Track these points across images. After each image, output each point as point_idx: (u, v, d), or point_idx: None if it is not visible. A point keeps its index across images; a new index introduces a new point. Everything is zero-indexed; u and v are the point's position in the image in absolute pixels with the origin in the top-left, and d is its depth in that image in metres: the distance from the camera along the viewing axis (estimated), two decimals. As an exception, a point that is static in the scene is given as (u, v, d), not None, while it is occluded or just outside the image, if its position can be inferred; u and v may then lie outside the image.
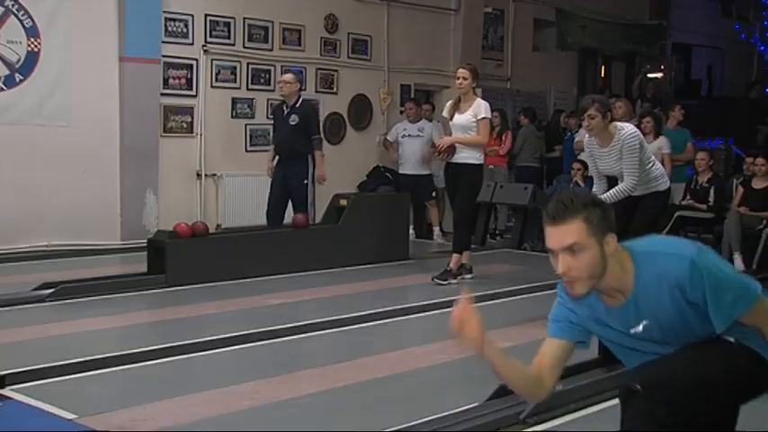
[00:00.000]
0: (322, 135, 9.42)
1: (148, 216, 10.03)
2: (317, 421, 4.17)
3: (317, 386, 4.67)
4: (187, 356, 5.26)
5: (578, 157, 10.78)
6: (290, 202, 8.96)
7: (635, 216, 6.17)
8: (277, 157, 9.05)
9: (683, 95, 16.29)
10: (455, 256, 7.89)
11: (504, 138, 11.73)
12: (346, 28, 12.00)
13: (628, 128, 6.16)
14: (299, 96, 9.04)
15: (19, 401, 4.26)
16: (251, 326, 6.00)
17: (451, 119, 7.91)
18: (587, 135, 6.41)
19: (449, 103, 8.08)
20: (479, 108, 7.73)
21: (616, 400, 4.38)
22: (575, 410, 4.26)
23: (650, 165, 6.23)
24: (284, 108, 9.02)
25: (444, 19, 13.23)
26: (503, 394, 4.28)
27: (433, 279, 7.77)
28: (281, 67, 11.32)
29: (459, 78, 7.81)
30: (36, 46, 9.29)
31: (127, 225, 9.87)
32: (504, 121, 11.89)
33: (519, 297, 7.38)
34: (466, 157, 7.77)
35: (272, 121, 9.42)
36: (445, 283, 7.67)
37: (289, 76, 9.08)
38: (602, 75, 16.41)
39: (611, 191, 6.09)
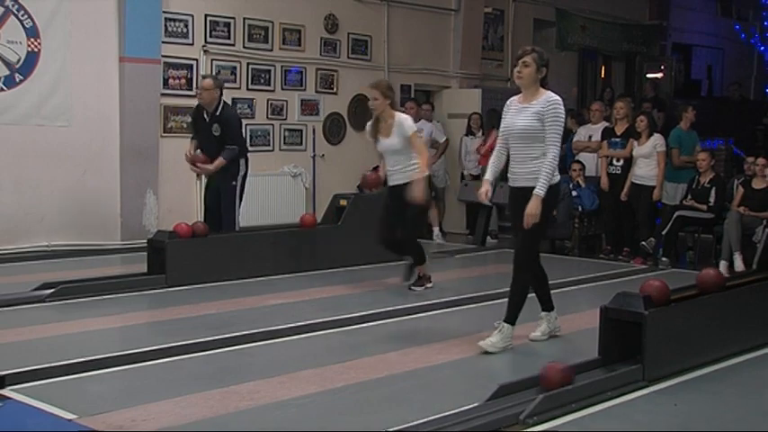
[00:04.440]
0: (241, 143, 8.41)
1: (148, 216, 10.03)
2: (317, 421, 4.17)
3: (316, 386, 4.67)
4: (187, 356, 5.26)
5: (576, 158, 10.80)
6: None
7: None
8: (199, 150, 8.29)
9: (683, 96, 16.30)
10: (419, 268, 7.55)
11: (487, 135, 11.72)
12: (346, 28, 12.00)
13: (557, 97, 5.51)
14: (220, 102, 8.19)
15: (19, 401, 4.27)
16: (251, 326, 6.00)
17: (376, 141, 7.34)
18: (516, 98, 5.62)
19: (368, 125, 7.51)
20: (402, 126, 7.15)
21: (617, 400, 4.43)
22: (575, 410, 4.26)
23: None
24: (204, 115, 8.19)
25: (444, 19, 13.23)
26: (503, 395, 4.29)
27: (410, 288, 7.53)
28: (282, 67, 11.35)
29: (371, 99, 7.28)
30: (36, 46, 9.29)
31: (127, 225, 9.88)
32: (491, 120, 11.92)
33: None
34: (411, 175, 7.14)
35: (192, 124, 8.62)
36: (421, 288, 7.53)
37: (207, 82, 8.22)
38: (602, 75, 16.42)
39: (546, 166, 5.31)
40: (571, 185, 10.43)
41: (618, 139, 9.99)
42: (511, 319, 5.54)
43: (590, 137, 10.83)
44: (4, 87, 9.12)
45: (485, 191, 5.72)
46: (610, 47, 16.16)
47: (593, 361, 4.88)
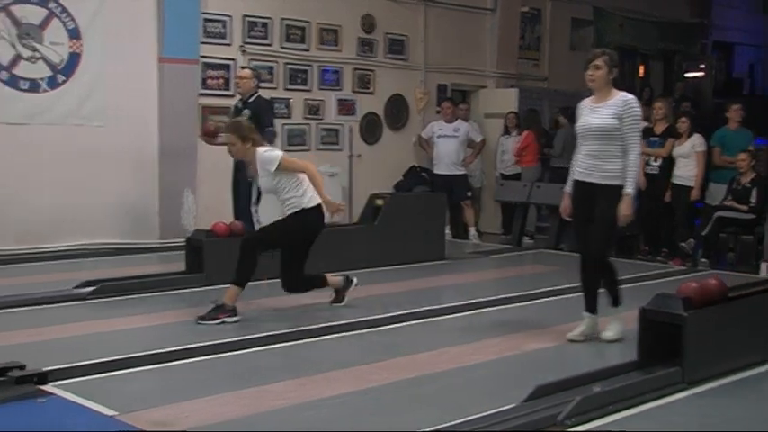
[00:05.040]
0: (276, 129, 8.71)
1: (187, 215, 10.12)
2: (350, 421, 4.17)
3: (350, 386, 4.68)
4: (224, 355, 5.30)
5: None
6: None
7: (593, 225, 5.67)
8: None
9: (724, 95, 16.08)
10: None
11: (522, 135, 11.72)
12: (383, 28, 12.02)
13: (632, 96, 5.74)
14: (256, 93, 8.64)
15: (61, 397, 4.33)
16: (286, 325, 6.04)
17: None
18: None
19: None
20: (265, 164, 6.23)
21: (655, 403, 4.39)
22: (613, 412, 4.23)
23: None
24: (239, 105, 8.71)
25: (481, 19, 13.19)
26: (539, 396, 4.27)
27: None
28: (318, 67, 11.39)
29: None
30: (77, 47, 9.42)
31: (165, 224, 9.97)
32: (526, 121, 11.87)
33: (555, 298, 7.33)
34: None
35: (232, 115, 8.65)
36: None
37: (245, 72, 8.86)
38: (641, 74, 16.27)
39: (632, 166, 5.55)
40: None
41: (656, 139, 9.90)
42: (616, 302, 5.77)
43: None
44: (47, 88, 9.27)
45: (566, 206, 5.87)
46: (648, 45, 15.99)
47: (632, 363, 4.84)
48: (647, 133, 10.12)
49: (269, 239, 6.39)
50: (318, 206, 6.32)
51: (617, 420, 4.17)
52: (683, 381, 4.68)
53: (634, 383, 4.56)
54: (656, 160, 9.83)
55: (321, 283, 6.68)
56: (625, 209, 5.59)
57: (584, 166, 5.70)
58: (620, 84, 16.46)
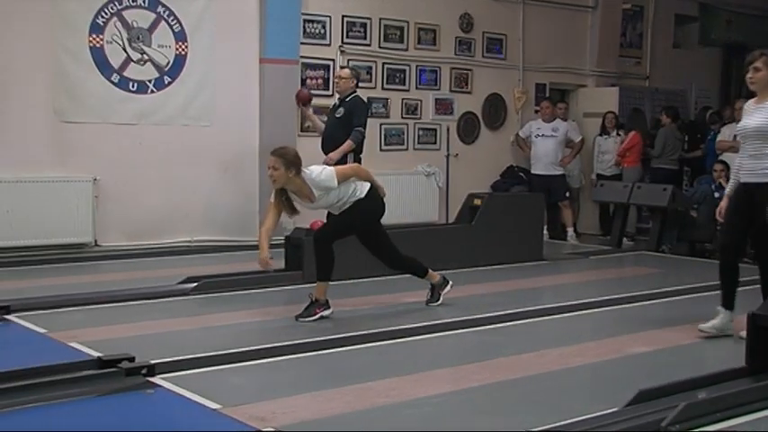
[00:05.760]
0: (364, 129, 8.49)
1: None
2: (453, 420, 4.17)
3: (451, 385, 4.68)
4: (325, 352, 5.36)
5: (720, 158, 10.39)
6: None
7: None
8: None
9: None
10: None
11: (628, 135, 11.48)
12: (481, 27, 11.97)
13: None
14: (354, 92, 8.56)
15: (168, 389, 4.46)
16: (387, 323, 6.07)
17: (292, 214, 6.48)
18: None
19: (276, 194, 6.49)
20: (319, 184, 6.21)
21: (765, 412, 4.24)
22: (720, 420, 4.10)
23: None
24: (336, 104, 8.71)
25: (581, 16, 13.00)
26: (642, 400, 4.19)
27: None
28: (416, 66, 11.41)
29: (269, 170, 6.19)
30: (183, 49, 9.69)
31: (265, 222, 10.14)
32: (631, 121, 11.62)
33: (657, 301, 7.16)
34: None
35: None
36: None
37: (345, 71, 8.85)
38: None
39: None
40: (713, 186, 10.07)
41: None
42: None
43: (735, 136, 10.38)
44: (154, 89, 9.56)
45: (722, 207, 5.89)
46: (759, 41, 15.42)
47: (740, 369, 4.70)
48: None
49: (339, 230, 6.50)
50: (370, 189, 6.40)
51: (723, 429, 4.05)
52: (794, 389, 4.51)
53: (742, 391, 4.41)
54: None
55: (423, 272, 6.77)
56: None
57: (743, 167, 5.73)
58: (726, 81, 15.91)
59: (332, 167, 6.39)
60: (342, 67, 9.84)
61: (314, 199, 6.23)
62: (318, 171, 6.21)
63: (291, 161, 6.09)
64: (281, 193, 6.21)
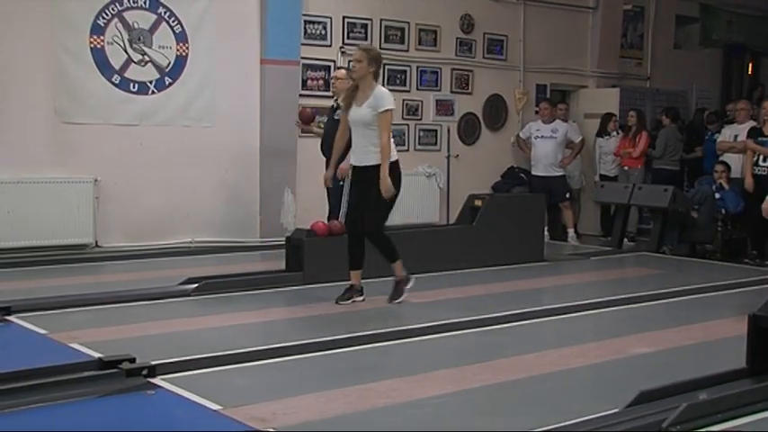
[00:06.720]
0: None
1: (286, 214, 10.29)
2: (454, 421, 4.17)
3: (453, 386, 4.67)
4: (324, 353, 5.35)
5: (720, 159, 10.39)
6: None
7: None
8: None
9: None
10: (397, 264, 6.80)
11: (638, 138, 11.43)
12: (482, 28, 11.97)
13: None
14: None
15: (168, 390, 4.45)
16: (386, 324, 6.07)
17: (348, 110, 6.66)
18: None
19: (344, 93, 7.03)
20: (379, 99, 6.45)
21: (766, 413, 4.24)
22: (721, 421, 4.10)
23: None
24: (335, 105, 8.43)
25: (582, 17, 13.01)
26: (643, 401, 4.18)
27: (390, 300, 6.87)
28: (417, 67, 11.41)
29: (353, 62, 6.64)
30: (184, 50, 9.70)
31: (266, 223, 10.17)
32: (641, 122, 11.58)
33: (658, 302, 7.16)
34: (374, 158, 6.50)
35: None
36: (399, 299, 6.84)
37: (341, 72, 8.71)
38: (750, 72, 15.72)
39: None
40: (714, 187, 10.07)
41: (766, 139, 9.57)
42: None
43: (735, 137, 10.40)
44: (155, 90, 9.57)
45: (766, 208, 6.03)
46: (759, 42, 15.46)
47: (741, 370, 4.69)
48: (755, 134, 9.80)
49: (383, 212, 6.61)
50: (397, 162, 6.58)
51: (724, 430, 4.05)
52: (794, 390, 4.51)
53: (743, 392, 4.40)
54: (764, 160, 9.50)
55: (396, 255, 6.77)
56: None
57: None
58: (727, 82, 15.93)
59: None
60: (338, 68, 9.81)
61: (362, 106, 6.46)
62: (388, 93, 6.55)
63: (374, 58, 6.54)
64: (354, 89, 6.60)
